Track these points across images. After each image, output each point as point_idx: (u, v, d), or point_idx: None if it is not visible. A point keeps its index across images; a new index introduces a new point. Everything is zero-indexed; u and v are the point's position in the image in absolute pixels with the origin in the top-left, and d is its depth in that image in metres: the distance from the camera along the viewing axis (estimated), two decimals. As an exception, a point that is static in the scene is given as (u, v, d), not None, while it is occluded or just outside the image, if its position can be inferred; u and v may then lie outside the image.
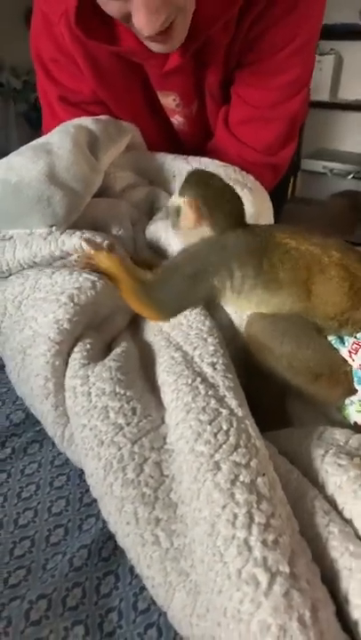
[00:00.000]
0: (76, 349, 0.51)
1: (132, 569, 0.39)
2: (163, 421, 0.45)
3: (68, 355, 0.51)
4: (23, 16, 2.71)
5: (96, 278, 0.56)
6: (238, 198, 0.58)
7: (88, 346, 0.52)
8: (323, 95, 2.55)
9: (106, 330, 0.58)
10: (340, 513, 0.38)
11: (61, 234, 0.61)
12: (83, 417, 0.45)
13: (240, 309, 0.57)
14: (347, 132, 2.77)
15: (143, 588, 0.38)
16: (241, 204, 0.58)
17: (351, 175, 2.58)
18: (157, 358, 0.52)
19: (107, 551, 0.41)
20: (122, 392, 0.46)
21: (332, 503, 0.38)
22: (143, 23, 0.60)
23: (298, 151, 2.54)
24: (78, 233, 0.61)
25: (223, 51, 0.80)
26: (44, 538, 0.42)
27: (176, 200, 0.58)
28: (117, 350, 0.53)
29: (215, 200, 0.57)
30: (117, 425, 0.43)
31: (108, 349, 0.55)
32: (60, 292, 0.55)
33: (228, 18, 0.72)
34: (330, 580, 0.34)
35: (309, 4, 0.76)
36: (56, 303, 0.53)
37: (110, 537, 0.41)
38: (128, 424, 0.43)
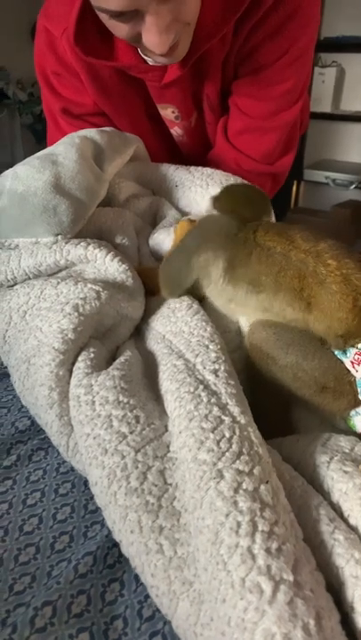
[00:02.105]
0: (80, 359, 0.51)
1: (137, 576, 0.39)
2: (166, 429, 0.44)
3: (73, 364, 0.51)
4: (29, 30, 2.76)
5: (100, 289, 0.57)
6: (251, 196, 0.62)
7: (92, 355, 0.52)
8: (325, 107, 2.57)
9: (109, 339, 0.58)
10: (345, 520, 0.38)
11: (66, 243, 0.62)
12: (86, 426, 0.45)
13: (225, 308, 0.57)
14: (349, 143, 2.79)
15: (148, 596, 0.38)
16: (250, 200, 0.61)
17: (353, 185, 2.59)
18: (160, 366, 0.52)
19: (112, 558, 0.41)
20: (125, 400, 0.46)
21: (338, 510, 0.38)
22: (155, 44, 0.62)
23: (300, 162, 2.56)
24: (83, 243, 0.61)
25: (220, 63, 0.81)
26: (49, 545, 0.42)
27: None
28: (121, 359, 0.53)
29: (229, 191, 0.64)
30: (121, 433, 0.43)
31: (111, 359, 0.55)
32: (64, 301, 0.55)
33: (225, 31, 0.74)
34: (336, 588, 0.34)
35: (303, 17, 0.77)
36: (61, 313, 0.53)
37: (115, 544, 0.41)
38: (132, 432, 0.43)
